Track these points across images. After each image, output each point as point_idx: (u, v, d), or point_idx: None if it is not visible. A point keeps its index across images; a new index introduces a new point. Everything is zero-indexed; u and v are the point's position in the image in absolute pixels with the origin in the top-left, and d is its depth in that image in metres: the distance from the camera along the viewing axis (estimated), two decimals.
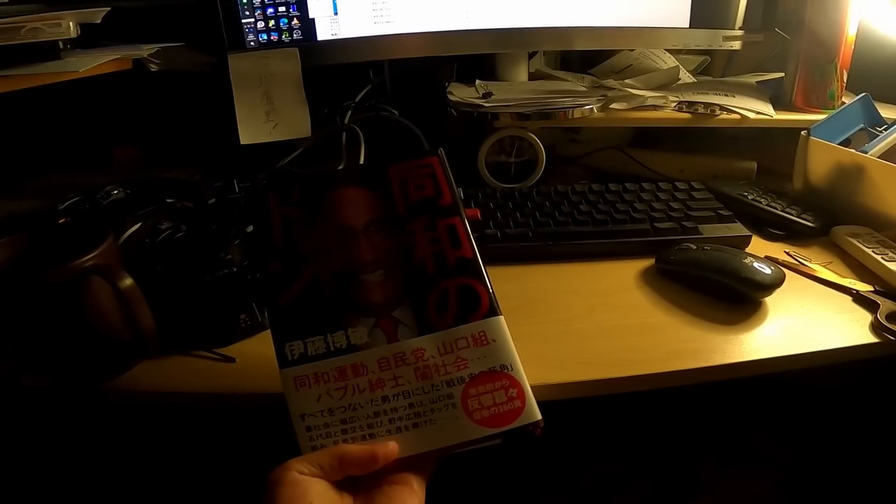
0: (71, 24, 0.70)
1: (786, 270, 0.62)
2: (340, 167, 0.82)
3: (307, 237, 0.47)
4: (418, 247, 0.47)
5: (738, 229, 0.69)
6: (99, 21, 0.75)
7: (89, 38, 0.78)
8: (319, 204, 0.48)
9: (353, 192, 0.49)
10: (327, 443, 0.42)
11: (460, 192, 0.72)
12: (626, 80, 0.90)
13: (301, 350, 0.44)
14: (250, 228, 0.57)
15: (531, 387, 0.43)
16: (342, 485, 0.40)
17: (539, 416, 0.42)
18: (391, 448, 0.41)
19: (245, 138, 0.79)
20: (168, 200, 0.74)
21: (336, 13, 0.82)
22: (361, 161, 0.82)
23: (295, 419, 0.43)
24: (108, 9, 0.75)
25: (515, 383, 0.43)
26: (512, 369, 0.43)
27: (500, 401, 0.42)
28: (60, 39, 0.71)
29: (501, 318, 0.44)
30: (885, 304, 0.58)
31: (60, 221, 0.70)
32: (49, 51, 0.71)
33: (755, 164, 0.87)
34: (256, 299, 0.56)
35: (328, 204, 0.48)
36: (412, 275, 0.46)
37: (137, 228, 0.65)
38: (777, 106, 0.86)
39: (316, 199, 0.49)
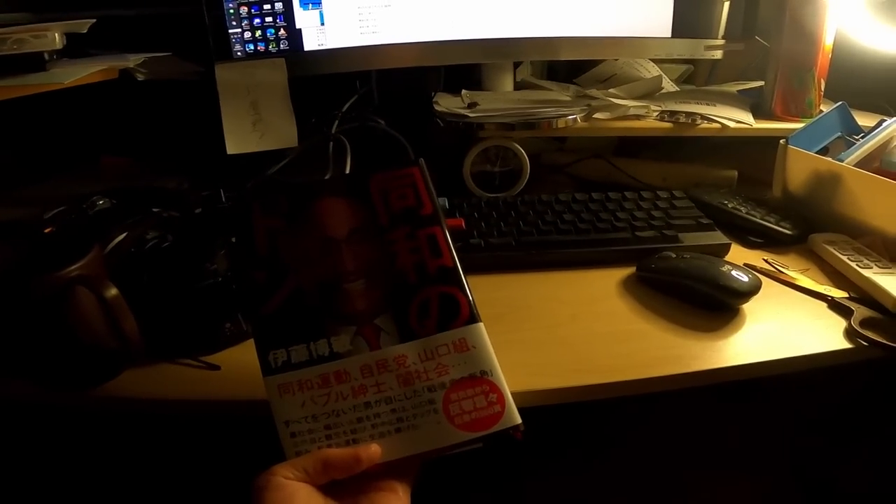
0: (56, 35, 0.71)
1: (763, 278, 0.63)
2: (326, 177, 0.82)
3: (290, 247, 0.48)
4: (399, 256, 0.47)
5: (717, 237, 0.70)
6: (85, 31, 0.75)
7: (76, 47, 0.79)
8: (303, 214, 0.49)
9: (336, 202, 0.49)
10: (311, 448, 0.43)
11: (444, 202, 0.73)
12: (610, 90, 0.92)
13: (284, 358, 0.45)
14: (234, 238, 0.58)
15: (514, 392, 0.44)
16: (327, 491, 0.41)
17: (519, 420, 0.43)
18: (374, 451, 0.42)
19: (232, 148, 0.79)
20: (154, 210, 0.74)
21: (323, 24, 0.82)
22: (348, 171, 0.83)
23: (279, 425, 0.43)
24: (94, 20, 0.76)
25: (495, 388, 0.44)
26: (492, 375, 0.44)
27: (480, 405, 0.43)
28: (46, 51, 0.71)
29: (481, 325, 0.46)
30: (860, 311, 0.59)
31: (46, 231, 0.70)
32: (34, 62, 0.72)
33: (736, 173, 0.88)
34: (241, 308, 0.57)
35: (311, 214, 0.49)
36: (394, 283, 0.47)
37: (123, 238, 0.66)
38: (757, 114, 0.87)
39: (299, 210, 0.49)
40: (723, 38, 0.91)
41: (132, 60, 0.79)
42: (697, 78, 1.09)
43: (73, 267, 0.48)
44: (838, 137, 0.79)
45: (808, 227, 0.74)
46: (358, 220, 0.49)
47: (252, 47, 0.82)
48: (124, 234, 0.66)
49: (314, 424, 0.43)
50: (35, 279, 0.47)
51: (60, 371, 0.51)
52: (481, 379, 0.44)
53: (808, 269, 0.68)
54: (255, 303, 0.46)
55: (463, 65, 0.93)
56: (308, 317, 0.46)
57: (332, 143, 0.87)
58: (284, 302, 0.46)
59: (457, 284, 0.47)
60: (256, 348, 0.45)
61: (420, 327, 0.45)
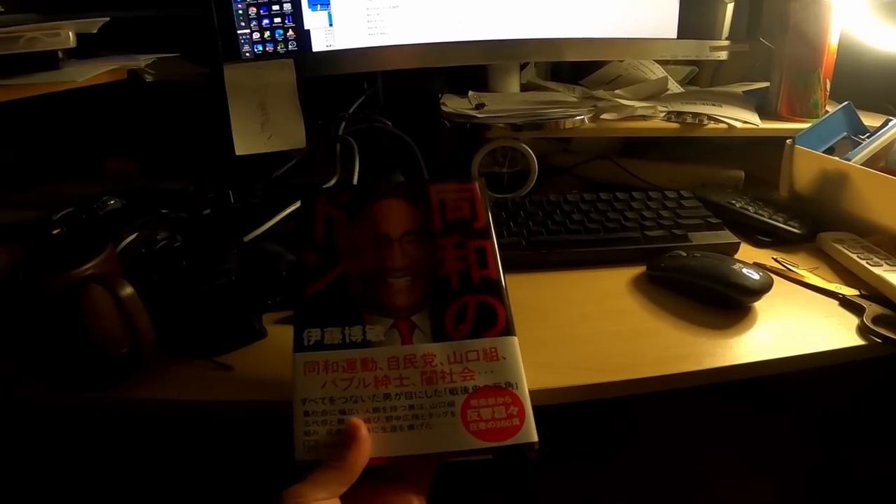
0: (70, 34, 0.71)
1: (773, 276, 0.63)
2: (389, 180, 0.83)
3: (345, 236, 0.50)
4: (446, 261, 0.49)
5: (726, 236, 0.71)
6: (96, 31, 0.76)
7: (85, 48, 0.79)
8: (363, 210, 0.52)
9: (395, 203, 0.52)
10: (320, 430, 0.42)
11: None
12: (616, 91, 0.92)
13: (318, 337, 0.46)
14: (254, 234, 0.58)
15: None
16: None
17: (535, 439, 0.43)
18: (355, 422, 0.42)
19: (240, 149, 0.79)
20: (163, 211, 0.74)
21: (331, 24, 0.83)
22: (356, 173, 0.83)
23: (296, 402, 0.44)
24: (107, 19, 0.76)
25: (517, 401, 0.44)
26: (517, 388, 0.44)
27: (499, 416, 0.43)
28: (59, 49, 0.72)
29: (515, 338, 0.46)
30: (871, 308, 0.59)
31: (55, 232, 0.70)
32: (48, 60, 0.72)
33: (742, 173, 0.89)
34: (253, 309, 0.57)
35: (371, 211, 0.52)
36: (436, 286, 0.48)
37: (134, 238, 0.66)
38: (763, 115, 0.87)
39: (360, 205, 0.52)
40: (727, 39, 0.91)
41: (142, 61, 0.79)
42: (701, 79, 1.10)
43: (88, 265, 0.48)
44: (844, 137, 0.80)
45: (815, 225, 0.74)
46: (414, 222, 0.51)
47: (260, 48, 0.82)
48: (135, 235, 0.66)
49: (330, 406, 0.43)
50: (50, 277, 0.47)
51: (74, 370, 0.51)
52: (505, 390, 0.44)
53: (817, 268, 0.68)
54: (303, 282, 0.48)
55: (469, 66, 0.93)
56: (349, 303, 0.47)
57: (339, 145, 0.87)
58: (330, 286, 0.48)
59: (498, 296, 0.48)
60: (294, 325, 0.46)
61: (454, 330, 0.46)
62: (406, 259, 0.49)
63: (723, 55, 0.92)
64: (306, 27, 0.82)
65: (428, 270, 0.49)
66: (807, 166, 0.77)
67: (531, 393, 0.44)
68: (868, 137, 0.76)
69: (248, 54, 0.82)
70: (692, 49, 0.91)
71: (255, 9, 0.80)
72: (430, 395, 0.44)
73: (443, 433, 0.43)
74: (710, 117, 0.84)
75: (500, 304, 0.47)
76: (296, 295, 0.48)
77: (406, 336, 0.46)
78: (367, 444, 0.41)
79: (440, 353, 0.45)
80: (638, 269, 0.67)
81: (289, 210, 0.73)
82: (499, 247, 0.67)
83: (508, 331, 0.46)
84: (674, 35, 0.89)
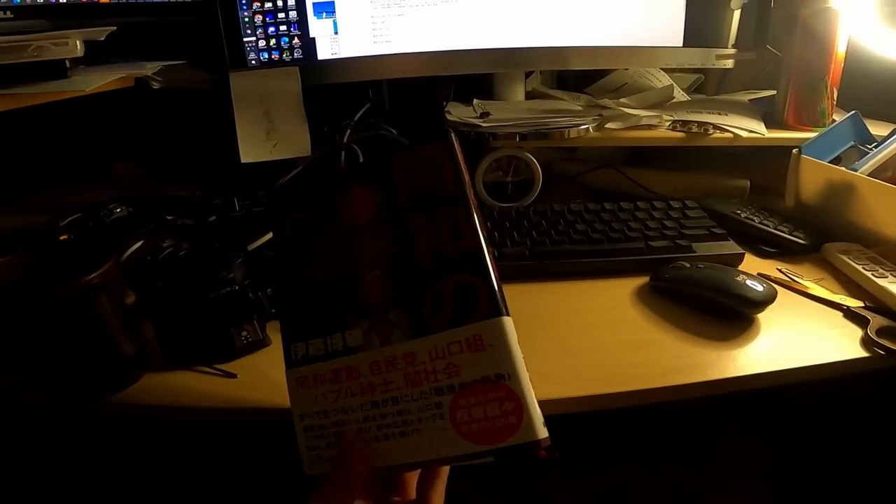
0: (78, 42, 0.71)
1: (778, 287, 0.63)
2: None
3: (317, 239, 0.47)
4: (417, 243, 0.43)
5: (730, 247, 0.70)
6: (103, 39, 0.76)
7: (91, 55, 0.79)
8: (330, 206, 0.47)
9: (359, 192, 0.46)
10: (321, 444, 0.42)
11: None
12: (622, 99, 0.92)
13: (304, 351, 0.44)
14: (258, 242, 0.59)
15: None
16: None
17: (541, 435, 0.38)
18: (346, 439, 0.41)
19: (246, 157, 0.80)
20: (168, 218, 0.74)
21: (336, 33, 0.83)
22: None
23: (295, 419, 0.43)
24: (114, 28, 0.76)
25: (513, 396, 0.38)
26: (510, 379, 0.38)
27: (492, 414, 0.38)
28: (67, 58, 0.72)
29: (504, 319, 0.40)
30: (875, 320, 0.59)
31: (61, 238, 0.71)
32: (56, 69, 0.72)
33: (748, 182, 0.88)
34: (258, 316, 0.57)
35: (336, 205, 0.47)
36: (410, 273, 0.43)
37: (139, 246, 0.66)
38: (769, 123, 0.87)
39: (328, 202, 0.47)
40: (734, 47, 0.91)
41: (149, 68, 0.80)
42: (707, 87, 1.09)
43: (93, 274, 0.49)
44: (851, 147, 0.79)
45: (821, 236, 0.74)
46: (378, 207, 0.45)
47: (266, 56, 0.83)
48: (140, 243, 0.66)
49: (325, 420, 0.42)
50: (56, 286, 0.48)
51: (79, 377, 0.52)
52: (497, 384, 0.38)
53: (822, 279, 0.68)
54: (283, 294, 0.46)
55: (474, 74, 0.93)
56: (328, 309, 0.44)
57: (343, 153, 0.88)
58: (308, 294, 0.45)
59: (477, 272, 0.41)
60: (282, 341, 0.45)
61: (433, 322, 0.41)
62: (375, 250, 0.44)
63: (729, 63, 0.92)
64: (312, 35, 0.83)
65: (398, 258, 0.43)
66: (813, 176, 0.77)
67: None
68: (875, 147, 0.76)
69: (253, 62, 0.82)
70: (698, 57, 0.91)
71: (261, 17, 0.81)
72: (416, 398, 0.40)
73: (434, 438, 0.39)
74: (716, 126, 0.83)
75: (479, 282, 0.40)
76: (279, 309, 0.46)
77: (384, 337, 0.42)
78: (363, 459, 0.40)
79: (421, 350, 0.41)
80: (642, 280, 0.67)
81: None
82: (503, 256, 0.68)
83: (493, 311, 0.40)
84: (680, 43, 0.89)
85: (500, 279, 0.41)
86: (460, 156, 0.44)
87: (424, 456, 0.40)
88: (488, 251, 0.42)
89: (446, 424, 0.39)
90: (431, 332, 0.41)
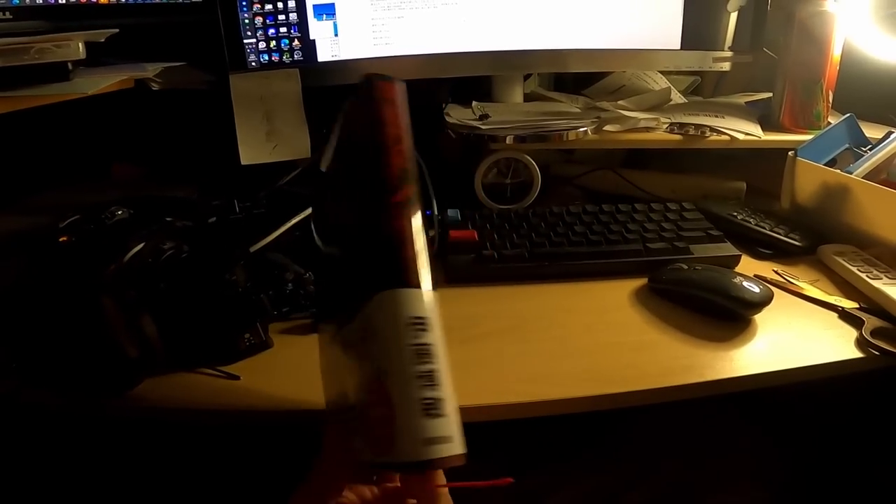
0: (79, 45, 0.71)
1: (774, 289, 0.64)
2: None
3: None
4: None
5: (727, 249, 0.71)
6: (103, 41, 0.76)
7: (92, 56, 0.80)
8: None
9: None
10: None
11: (457, 214, 0.71)
12: (619, 102, 0.92)
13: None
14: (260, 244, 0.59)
15: (528, 403, 0.41)
16: None
17: (423, 457, 0.29)
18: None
19: (246, 158, 0.80)
20: (168, 219, 0.74)
21: (336, 35, 0.83)
22: None
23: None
24: (116, 30, 0.77)
25: (385, 399, 0.30)
26: (387, 377, 0.31)
27: (375, 418, 0.31)
28: (69, 60, 0.72)
29: (390, 292, 0.31)
30: (870, 321, 0.59)
31: (62, 240, 0.71)
32: (58, 71, 0.72)
33: (744, 184, 0.89)
34: (260, 318, 0.58)
35: None
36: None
37: (140, 248, 0.66)
38: (765, 126, 0.88)
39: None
40: (731, 49, 0.92)
41: (150, 70, 0.80)
42: (704, 89, 1.10)
43: (97, 276, 0.49)
44: (846, 149, 0.80)
45: (816, 238, 0.74)
46: None
47: (266, 58, 0.83)
48: (141, 245, 0.67)
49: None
50: (60, 288, 0.48)
51: (83, 379, 0.52)
52: (378, 382, 0.31)
53: (817, 280, 0.68)
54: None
55: (473, 77, 0.94)
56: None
57: None
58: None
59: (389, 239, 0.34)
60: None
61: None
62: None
63: (726, 66, 0.93)
64: (312, 37, 0.83)
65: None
66: (808, 179, 0.78)
67: (530, 405, 0.43)
68: (870, 150, 0.76)
69: (254, 64, 0.83)
70: (695, 60, 0.92)
71: (261, 18, 0.81)
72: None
73: (367, 439, 0.33)
74: (713, 129, 0.84)
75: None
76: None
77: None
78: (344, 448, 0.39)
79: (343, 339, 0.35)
80: (640, 281, 0.68)
81: (294, 220, 0.73)
82: (502, 258, 0.68)
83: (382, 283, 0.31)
84: (677, 46, 0.90)
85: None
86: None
87: (368, 456, 0.34)
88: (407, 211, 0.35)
89: (366, 427, 0.33)
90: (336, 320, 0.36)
